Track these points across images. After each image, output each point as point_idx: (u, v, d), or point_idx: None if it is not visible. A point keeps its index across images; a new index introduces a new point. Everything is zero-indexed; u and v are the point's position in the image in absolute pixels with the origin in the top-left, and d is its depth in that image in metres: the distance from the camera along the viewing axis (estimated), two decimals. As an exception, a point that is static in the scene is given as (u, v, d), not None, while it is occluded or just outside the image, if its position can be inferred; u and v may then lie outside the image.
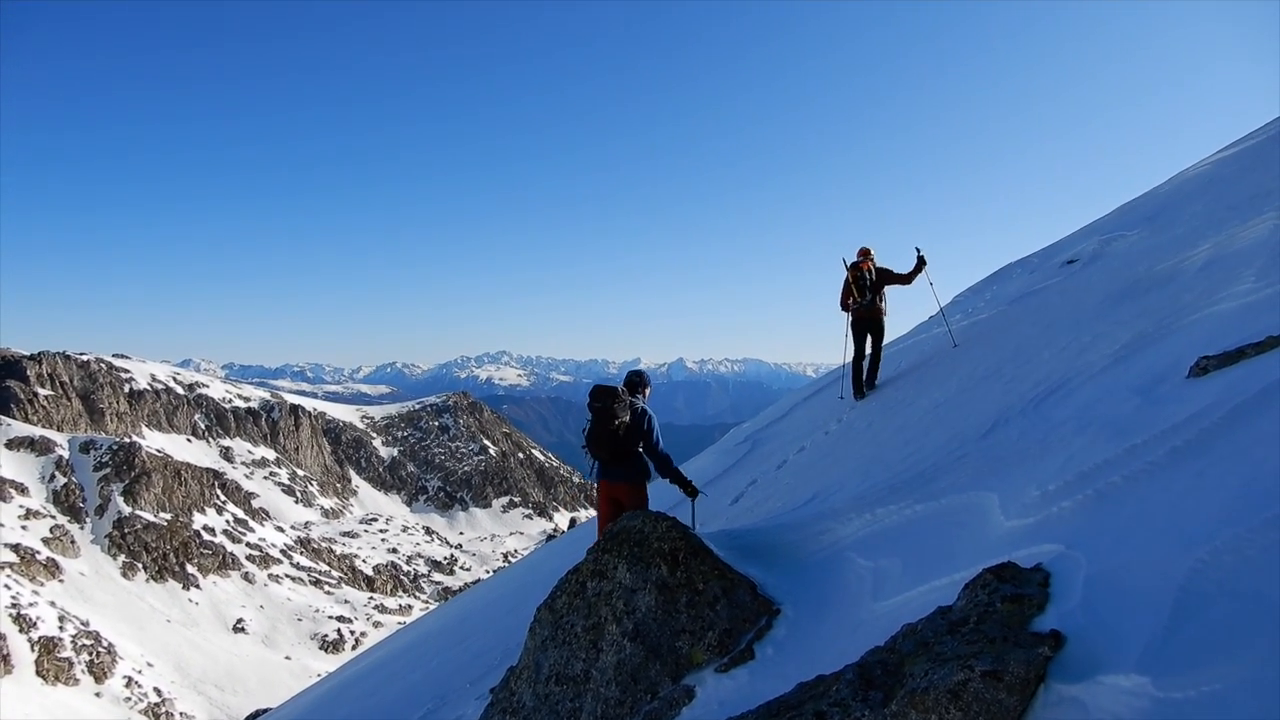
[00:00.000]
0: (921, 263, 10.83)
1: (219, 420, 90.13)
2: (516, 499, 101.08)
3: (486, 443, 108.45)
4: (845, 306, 10.91)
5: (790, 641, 3.94)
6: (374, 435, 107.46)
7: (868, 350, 11.17)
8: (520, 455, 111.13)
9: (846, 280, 10.75)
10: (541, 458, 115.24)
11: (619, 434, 6.64)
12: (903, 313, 12.30)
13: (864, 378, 11.28)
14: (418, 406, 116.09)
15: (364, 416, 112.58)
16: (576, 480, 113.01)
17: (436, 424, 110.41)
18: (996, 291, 12.44)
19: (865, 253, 10.84)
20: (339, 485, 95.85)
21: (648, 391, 6.99)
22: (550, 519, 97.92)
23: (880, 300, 10.84)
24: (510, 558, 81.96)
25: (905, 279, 10.89)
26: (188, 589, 57.86)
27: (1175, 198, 10.88)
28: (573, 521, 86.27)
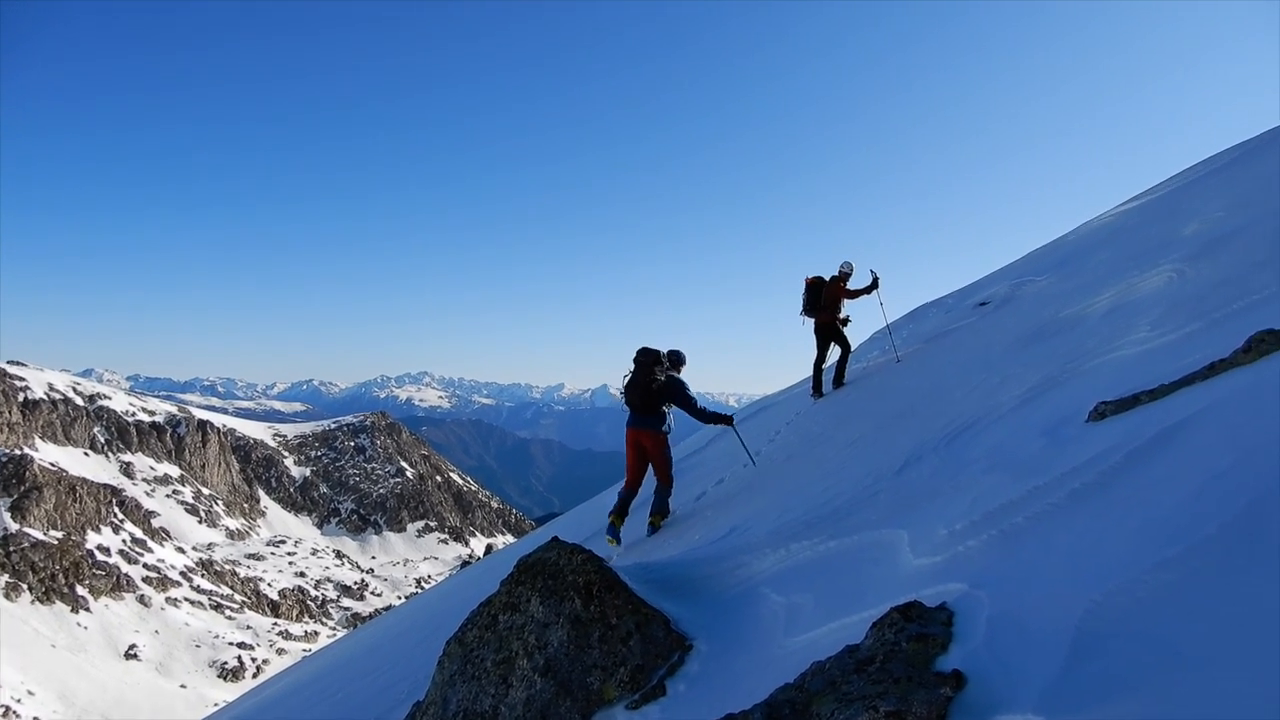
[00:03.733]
0: (874, 285, 12.10)
1: (120, 434, 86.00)
2: (432, 523, 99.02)
3: (404, 465, 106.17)
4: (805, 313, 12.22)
5: (703, 678, 3.92)
6: (286, 454, 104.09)
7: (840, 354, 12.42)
8: (438, 478, 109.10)
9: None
10: (460, 481, 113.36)
11: (652, 390, 8.23)
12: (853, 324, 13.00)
13: (819, 379, 12.48)
14: (333, 426, 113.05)
15: (276, 434, 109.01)
16: (495, 505, 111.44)
17: (352, 444, 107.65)
18: (913, 330, 12.83)
19: (844, 269, 11.97)
20: (246, 505, 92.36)
21: (683, 368, 8.55)
22: (467, 544, 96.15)
23: (835, 311, 11.96)
24: (424, 583, 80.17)
25: (853, 294, 12.06)
26: (77, 612, 54.77)
27: (1082, 246, 11.38)
28: (489, 548, 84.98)
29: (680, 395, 8.28)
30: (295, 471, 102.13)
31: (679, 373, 8.46)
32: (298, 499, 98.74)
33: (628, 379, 8.39)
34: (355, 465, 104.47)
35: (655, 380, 8.19)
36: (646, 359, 8.26)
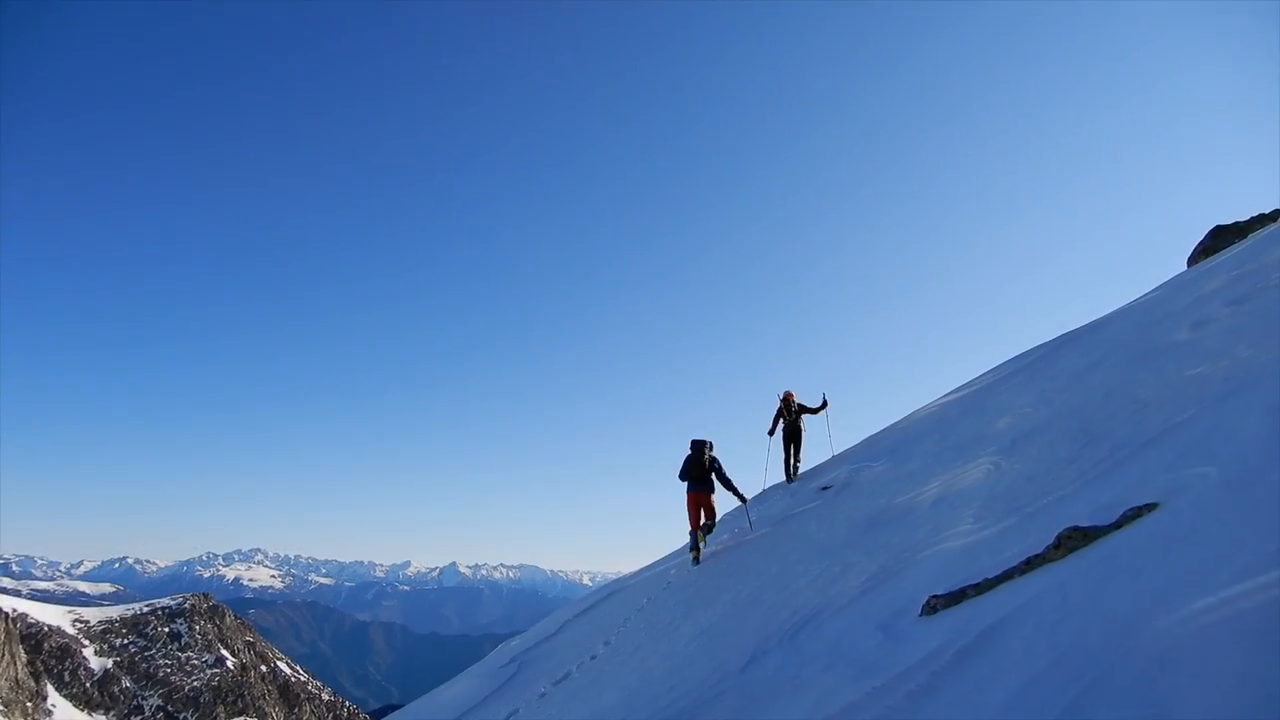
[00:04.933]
0: (823, 405, 14.88)
1: (-120, 621, 74.35)
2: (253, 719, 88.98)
3: (225, 653, 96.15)
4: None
5: None
6: (86, 642, 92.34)
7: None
8: (263, 668, 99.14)
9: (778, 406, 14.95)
10: (288, 671, 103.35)
11: (705, 465, 11.85)
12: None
13: (791, 474, 15.12)
14: (145, 609, 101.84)
15: (77, 620, 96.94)
16: (326, 697, 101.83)
17: (166, 630, 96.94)
18: (761, 512, 13.11)
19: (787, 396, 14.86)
20: (30, 704, 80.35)
21: (713, 444, 11.96)
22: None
23: (799, 421, 14.84)
24: (236, 794, 70.85)
25: (809, 411, 14.84)
26: None
27: (911, 434, 12.08)
28: (316, 748, 76.62)
29: (719, 469, 11.92)
30: (94, 663, 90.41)
31: (712, 447, 12.01)
32: (94, 695, 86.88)
33: (685, 461, 11.89)
34: (167, 654, 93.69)
35: (709, 457, 11.80)
36: (701, 446, 11.79)
